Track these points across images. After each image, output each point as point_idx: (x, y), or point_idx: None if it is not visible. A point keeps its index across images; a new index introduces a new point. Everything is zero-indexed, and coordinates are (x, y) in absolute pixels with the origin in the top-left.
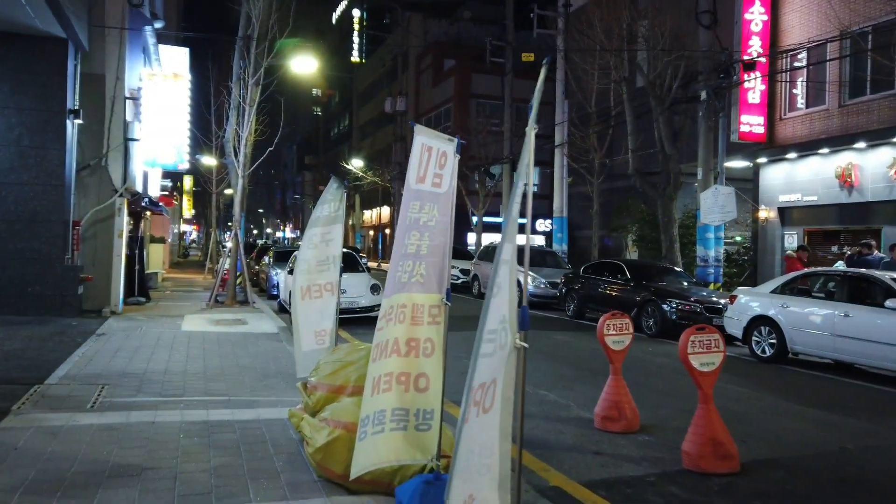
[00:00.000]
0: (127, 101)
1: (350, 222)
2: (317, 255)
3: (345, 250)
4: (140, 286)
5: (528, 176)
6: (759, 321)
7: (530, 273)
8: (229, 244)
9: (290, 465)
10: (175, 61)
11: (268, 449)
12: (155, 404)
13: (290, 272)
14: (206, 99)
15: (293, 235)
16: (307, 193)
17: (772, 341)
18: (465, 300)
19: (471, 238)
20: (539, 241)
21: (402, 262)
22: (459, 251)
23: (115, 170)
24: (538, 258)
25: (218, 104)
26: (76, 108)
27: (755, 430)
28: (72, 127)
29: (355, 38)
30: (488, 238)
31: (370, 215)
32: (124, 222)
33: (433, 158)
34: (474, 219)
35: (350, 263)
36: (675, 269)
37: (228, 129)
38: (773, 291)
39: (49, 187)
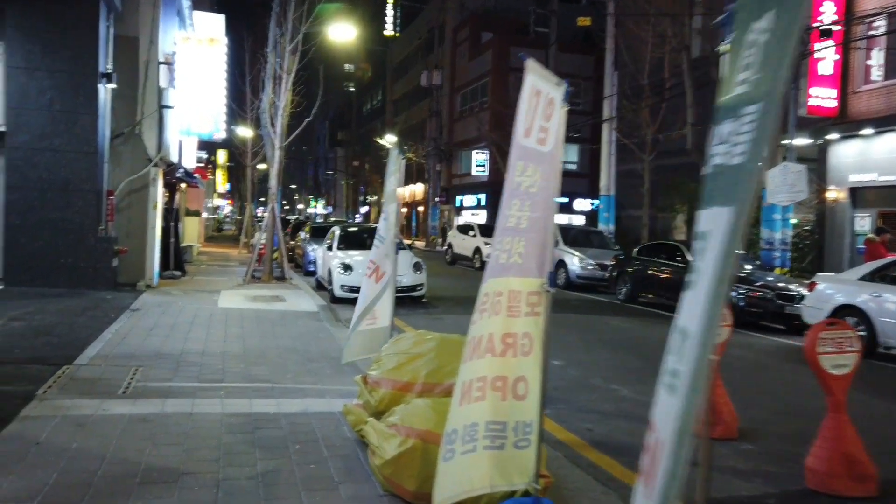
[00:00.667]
0: (161, 66)
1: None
2: (395, 232)
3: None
4: (175, 260)
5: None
6: (844, 311)
7: (576, 253)
8: (266, 217)
9: (348, 472)
10: (210, 28)
11: (321, 450)
12: (192, 391)
13: (329, 248)
14: (241, 69)
15: (325, 211)
16: (339, 169)
17: (860, 333)
18: None
19: None
20: (578, 221)
21: (501, 239)
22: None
23: (149, 138)
24: (583, 238)
25: (253, 74)
26: (109, 71)
27: (875, 440)
28: (104, 91)
29: (389, 11)
30: None
31: (402, 192)
32: (159, 193)
33: (540, 106)
34: None
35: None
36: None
37: (264, 99)
38: (862, 279)
39: (81, 154)
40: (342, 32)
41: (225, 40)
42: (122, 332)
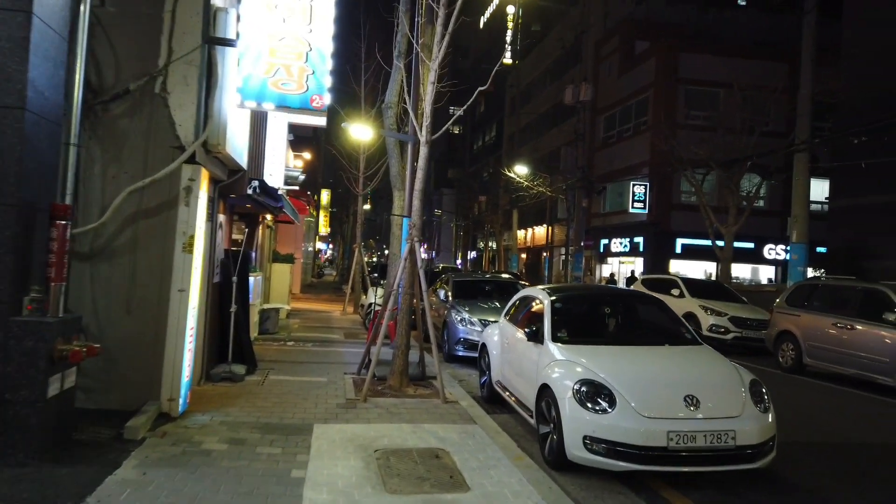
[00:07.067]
0: None
1: (505, 242)
2: None
3: (640, 290)
4: (237, 344)
5: None
6: None
7: None
8: (399, 270)
9: None
10: None
11: None
12: None
13: (532, 336)
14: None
15: (425, 256)
16: (448, 210)
17: None
18: (769, 377)
19: (674, 266)
20: (767, 272)
21: None
22: (709, 286)
23: (181, 103)
24: None
25: (368, 74)
26: None
27: None
28: None
29: (508, 38)
30: (694, 268)
31: (523, 235)
32: (200, 216)
33: None
34: (720, 242)
35: (664, 326)
36: None
37: (390, 89)
38: None
39: None
40: None
41: None
42: None
